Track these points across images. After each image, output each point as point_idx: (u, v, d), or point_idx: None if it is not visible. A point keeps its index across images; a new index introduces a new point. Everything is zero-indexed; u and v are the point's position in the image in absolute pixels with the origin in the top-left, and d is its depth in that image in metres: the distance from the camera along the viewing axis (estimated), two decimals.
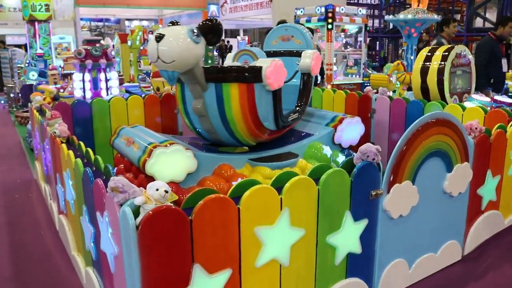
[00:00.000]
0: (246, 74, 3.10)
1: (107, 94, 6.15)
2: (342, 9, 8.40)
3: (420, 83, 4.63)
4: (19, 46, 16.80)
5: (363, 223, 2.28)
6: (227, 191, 3.41)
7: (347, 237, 2.24)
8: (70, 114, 4.79)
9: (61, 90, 7.40)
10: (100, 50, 6.17)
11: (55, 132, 3.06)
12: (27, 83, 8.63)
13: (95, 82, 6.31)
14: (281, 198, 1.94)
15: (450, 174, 2.65)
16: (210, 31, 2.84)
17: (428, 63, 4.58)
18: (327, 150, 3.94)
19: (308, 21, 8.72)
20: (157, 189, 1.68)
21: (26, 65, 8.77)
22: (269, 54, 4.44)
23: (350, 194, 2.20)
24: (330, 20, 8.28)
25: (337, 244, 2.22)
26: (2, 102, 10.34)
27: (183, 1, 19.53)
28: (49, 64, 10.07)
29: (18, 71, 10.24)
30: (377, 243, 2.38)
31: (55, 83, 8.38)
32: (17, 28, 16.79)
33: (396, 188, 2.35)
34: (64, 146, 2.78)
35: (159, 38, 2.67)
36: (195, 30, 2.75)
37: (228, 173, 3.47)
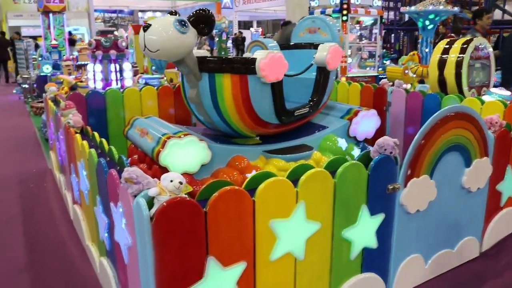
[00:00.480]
0: (240, 65, 3.07)
1: (117, 85, 6.16)
2: (358, 1, 8.28)
3: (438, 76, 4.54)
4: (34, 37, 16.94)
5: (380, 217, 2.24)
6: (241, 183, 3.40)
7: (363, 231, 2.21)
8: (84, 105, 4.81)
9: (82, 80, 7.43)
10: (110, 41, 6.16)
11: (69, 122, 3.05)
12: (41, 74, 8.70)
13: (106, 73, 6.32)
14: (297, 191, 1.91)
15: (469, 169, 2.59)
16: (201, 22, 2.87)
17: (445, 56, 4.49)
18: (342, 143, 3.90)
19: (323, 12, 8.61)
20: (171, 180, 1.66)
21: (40, 58, 8.81)
22: (289, 47, 4.39)
23: (366, 188, 2.16)
24: (345, 12, 8.16)
25: (353, 238, 2.18)
26: (18, 92, 10.44)
27: None
28: (63, 55, 10.13)
29: (33, 62, 10.32)
30: (393, 238, 2.34)
31: (69, 74, 8.44)
32: (32, 20, 16.91)
33: (414, 182, 2.31)
34: (78, 136, 2.78)
35: (146, 27, 2.74)
36: (183, 21, 2.77)
37: (242, 165, 3.45)
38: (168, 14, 2.95)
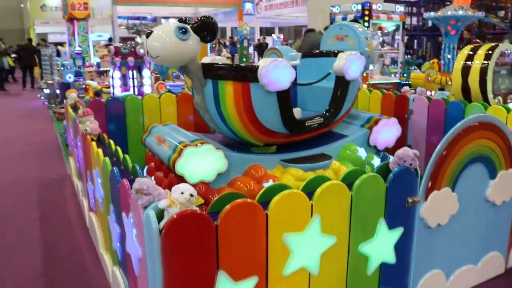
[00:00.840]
0: (242, 72, 3.04)
1: (135, 92, 6.20)
2: (379, 6, 8.18)
3: (461, 83, 4.42)
4: (60, 43, 17.29)
5: (398, 231, 2.16)
6: (257, 192, 3.36)
7: (381, 245, 2.13)
8: (104, 111, 4.84)
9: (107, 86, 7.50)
10: (128, 48, 6.20)
11: (86, 130, 3.06)
12: (64, 82, 8.83)
13: (125, 80, 6.37)
14: (312, 204, 1.85)
15: (493, 181, 2.48)
16: (204, 29, 2.89)
17: (470, 62, 4.38)
18: (362, 152, 3.81)
19: (344, 18, 8.54)
20: (182, 193, 1.62)
21: (62, 68, 8.95)
22: (312, 55, 4.31)
23: (385, 201, 2.08)
24: (366, 18, 8.07)
25: (370, 253, 2.10)
26: (42, 98, 10.63)
27: None
28: (87, 61, 10.27)
29: (58, 68, 10.51)
30: (412, 253, 2.26)
31: (92, 80, 8.54)
32: (58, 27, 17.29)
33: (435, 195, 2.22)
34: (94, 143, 2.77)
35: (149, 34, 2.82)
36: (183, 28, 2.81)
37: (259, 174, 3.40)
38: (177, 21, 2.96)
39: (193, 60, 3.01)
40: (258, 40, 20.54)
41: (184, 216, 1.57)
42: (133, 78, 6.13)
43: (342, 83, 3.60)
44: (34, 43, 16.50)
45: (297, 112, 3.61)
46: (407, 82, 8.29)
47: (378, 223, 2.09)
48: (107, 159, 2.38)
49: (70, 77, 8.79)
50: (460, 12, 6.34)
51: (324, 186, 1.87)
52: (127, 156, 2.45)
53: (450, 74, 6.07)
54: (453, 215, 2.33)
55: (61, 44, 16.49)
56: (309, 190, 1.93)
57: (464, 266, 2.53)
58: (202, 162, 3.17)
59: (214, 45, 17.46)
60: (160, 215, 1.64)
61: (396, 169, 2.10)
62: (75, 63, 10.87)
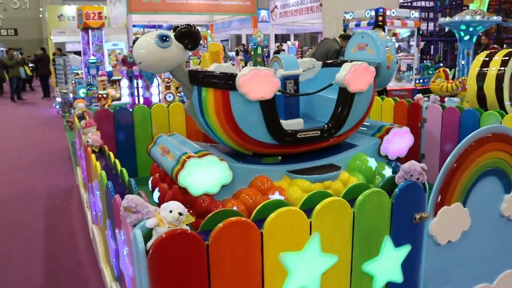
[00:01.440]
0: (222, 80, 3.03)
1: (138, 101, 6.20)
2: (394, 12, 8.04)
3: (476, 90, 4.27)
4: (77, 53, 17.51)
5: (406, 249, 2.04)
6: None
7: (387, 264, 2.01)
8: (112, 121, 4.82)
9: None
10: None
11: (87, 141, 3.01)
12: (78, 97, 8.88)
13: (132, 89, 6.37)
14: (310, 221, 1.75)
15: (508, 195, 2.34)
16: (185, 37, 2.98)
17: (485, 69, 4.23)
18: (372, 162, 3.70)
19: (358, 25, 8.43)
20: (170, 211, 1.54)
21: (73, 84, 9.02)
22: (327, 64, 4.19)
23: (390, 217, 1.97)
24: (380, 24, 7.94)
25: (375, 272, 1.99)
26: (57, 107, 10.73)
27: (233, 6, 19.62)
28: (103, 70, 10.33)
29: (75, 78, 10.59)
30: (421, 271, 2.13)
31: (104, 89, 8.56)
32: (73, 36, 17.52)
33: (444, 211, 2.09)
34: (93, 156, 2.72)
35: (134, 41, 3.02)
36: (164, 36, 2.92)
37: (265, 186, 3.32)
38: (171, 31, 3.09)
39: (179, 66, 3.10)
40: (277, 47, 20.45)
41: (172, 235, 1.49)
42: (137, 88, 6.10)
43: (345, 95, 3.43)
44: (50, 52, 16.75)
45: (298, 123, 3.50)
46: (424, 87, 8.09)
47: (383, 241, 1.97)
48: (103, 172, 2.32)
49: (83, 92, 8.82)
50: (478, 18, 6.17)
51: (323, 203, 1.77)
52: (124, 170, 2.38)
53: (456, 81, 5.89)
54: (465, 231, 2.20)
55: (79, 53, 16.68)
56: (309, 207, 1.83)
57: (478, 285, 2.38)
58: (206, 173, 3.09)
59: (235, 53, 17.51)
60: (149, 234, 1.56)
61: (402, 183, 1.98)
62: (90, 72, 10.97)
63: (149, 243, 1.51)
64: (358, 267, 1.94)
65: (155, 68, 3.08)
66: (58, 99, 9.82)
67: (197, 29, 3.06)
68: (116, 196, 1.89)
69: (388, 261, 2.01)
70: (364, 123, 4.23)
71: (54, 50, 17.37)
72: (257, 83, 2.96)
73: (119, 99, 7.27)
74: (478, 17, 6.13)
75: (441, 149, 4.36)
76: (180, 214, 1.54)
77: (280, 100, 3.47)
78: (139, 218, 1.59)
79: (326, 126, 3.48)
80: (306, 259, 1.76)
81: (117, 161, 2.58)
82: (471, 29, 6.36)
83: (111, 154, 2.81)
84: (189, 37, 2.98)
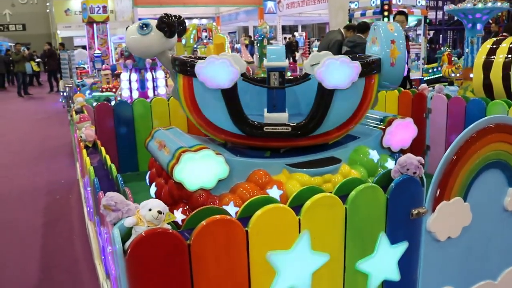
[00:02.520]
0: (186, 67, 3.12)
1: (137, 95, 6.16)
2: (400, 1, 7.89)
3: (483, 79, 4.14)
4: (85, 47, 17.53)
5: (402, 246, 1.96)
6: None
7: (382, 262, 1.93)
8: (112, 115, 4.77)
9: (113, 90, 7.51)
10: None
11: (81, 136, 2.96)
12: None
13: (142, 82, 6.30)
14: (299, 219, 1.67)
15: None
16: (164, 25, 3.13)
17: (492, 57, 4.10)
18: (374, 155, 3.60)
19: (363, 14, 8.28)
20: (150, 209, 1.47)
21: (78, 87, 8.99)
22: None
23: (385, 214, 1.88)
24: (386, 13, 7.79)
25: (370, 271, 1.91)
26: (63, 101, 10.73)
27: None
28: (105, 64, 10.31)
29: (83, 74, 10.59)
30: (419, 269, 2.04)
31: (108, 83, 8.53)
32: (79, 30, 17.53)
33: (444, 206, 2.00)
34: (84, 151, 2.67)
35: (126, 28, 3.34)
36: (144, 25, 3.15)
37: (263, 180, 3.25)
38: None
39: (163, 52, 3.28)
40: (289, 38, 20.25)
41: (150, 235, 1.42)
42: (145, 80, 6.06)
43: (321, 91, 3.17)
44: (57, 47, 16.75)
45: (281, 118, 3.28)
46: (437, 77, 7.90)
47: (378, 238, 1.89)
48: (91, 168, 2.26)
49: (90, 94, 8.79)
50: (480, 5, 5.99)
51: (313, 199, 1.68)
52: (113, 166, 2.32)
53: (453, 66, 5.73)
54: (466, 226, 2.11)
55: (85, 47, 16.69)
56: (299, 203, 1.75)
57: (481, 282, 2.29)
58: (202, 168, 3.03)
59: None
60: (130, 233, 1.50)
61: (398, 178, 1.89)
62: (95, 66, 10.95)
63: (128, 243, 1.45)
64: (352, 266, 1.86)
65: (139, 53, 3.45)
66: (65, 94, 9.80)
67: (173, 19, 3.18)
68: (100, 193, 1.82)
69: (384, 259, 1.93)
70: (366, 114, 4.14)
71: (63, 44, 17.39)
72: (213, 72, 2.97)
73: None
74: (480, 5, 5.95)
75: (447, 140, 4.25)
76: (160, 212, 1.47)
77: (263, 92, 3.35)
78: (118, 217, 1.52)
79: (299, 123, 3.26)
80: (295, 258, 1.68)
81: (107, 157, 2.53)
82: (470, 16, 6.17)
83: (103, 149, 2.75)
84: (167, 26, 3.12)
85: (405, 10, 7.28)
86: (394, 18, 6.44)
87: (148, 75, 6.41)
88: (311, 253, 1.72)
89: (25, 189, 4.69)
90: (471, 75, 4.28)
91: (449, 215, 2.02)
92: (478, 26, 6.58)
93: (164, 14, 3.17)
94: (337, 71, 3.06)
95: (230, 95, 3.09)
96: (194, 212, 1.69)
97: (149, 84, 6.51)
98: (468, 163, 2.06)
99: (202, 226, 1.50)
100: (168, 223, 1.52)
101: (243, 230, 1.57)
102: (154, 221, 1.46)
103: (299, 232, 1.68)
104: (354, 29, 6.65)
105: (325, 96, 3.16)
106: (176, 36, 3.27)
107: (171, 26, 3.13)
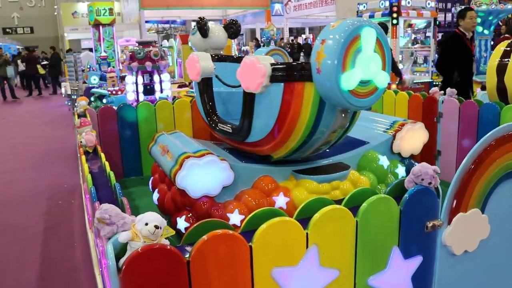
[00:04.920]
0: None
1: (141, 98, 6.10)
2: (409, 3, 7.72)
3: (496, 82, 4.00)
4: (91, 49, 17.55)
5: (416, 260, 1.84)
6: (267, 207, 3.09)
7: (395, 277, 1.82)
8: (116, 118, 4.69)
9: (119, 93, 7.46)
10: (143, 53, 6.05)
11: (81, 141, 2.87)
12: (90, 85, 8.79)
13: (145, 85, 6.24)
14: (307, 233, 1.56)
15: None
16: (199, 27, 3.68)
17: (506, 60, 3.95)
18: (384, 161, 3.48)
19: (372, 16, 8.14)
20: (146, 224, 1.37)
21: (88, 69, 8.93)
22: None
23: (399, 226, 1.77)
24: (395, 15, 7.64)
25: (382, 287, 1.80)
26: (69, 104, 10.69)
27: (246, 0, 19.40)
28: (111, 67, 10.24)
29: (84, 69, 10.54)
30: (434, 285, 1.93)
31: (113, 86, 8.47)
32: (86, 33, 17.55)
33: (460, 218, 1.88)
34: (83, 157, 2.57)
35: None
36: (195, 26, 3.75)
37: (269, 187, 3.14)
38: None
39: (205, 50, 3.67)
40: (292, 40, 20.16)
41: (146, 251, 1.32)
42: (148, 83, 5.99)
43: (244, 94, 2.84)
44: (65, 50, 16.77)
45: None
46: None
47: (391, 252, 1.78)
48: (89, 176, 2.16)
49: (95, 79, 8.74)
50: (483, 7, 5.83)
51: (322, 212, 1.57)
52: (111, 173, 2.22)
53: None
54: (484, 240, 1.99)
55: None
56: (307, 215, 1.64)
57: None
58: (206, 174, 2.93)
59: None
60: (125, 248, 1.40)
61: (412, 188, 1.78)
62: (101, 68, 10.89)
63: (122, 259, 1.35)
64: (363, 281, 1.75)
65: (196, 48, 3.80)
66: (73, 96, 9.76)
67: (205, 23, 3.70)
68: (96, 204, 1.73)
69: (397, 274, 1.82)
70: (375, 118, 4.03)
71: (71, 47, 17.40)
72: (190, 67, 3.36)
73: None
74: (484, 7, 5.77)
75: (458, 145, 4.12)
76: (157, 227, 1.36)
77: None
78: (113, 231, 1.42)
79: (236, 125, 3.07)
80: (302, 274, 1.58)
81: (106, 164, 2.43)
82: (497, 17, 6.00)
83: (103, 155, 2.65)
84: (200, 27, 3.66)
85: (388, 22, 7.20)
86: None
87: (156, 78, 6.35)
88: (319, 269, 1.61)
89: (27, 193, 4.62)
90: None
91: (466, 227, 1.91)
92: (490, 28, 6.44)
93: (199, 17, 3.74)
94: (248, 72, 2.67)
95: (200, 88, 3.42)
96: (193, 226, 1.58)
97: (156, 87, 6.46)
98: (487, 172, 1.94)
99: (202, 241, 1.40)
100: (166, 238, 1.42)
101: (246, 245, 1.46)
102: (150, 236, 1.36)
103: (307, 246, 1.57)
104: None
105: (247, 99, 2.84)
106: (222, 36, 3.83)
107: (202, 28, 3.65)
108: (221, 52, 3.92)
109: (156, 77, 6.30)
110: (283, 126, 2.70)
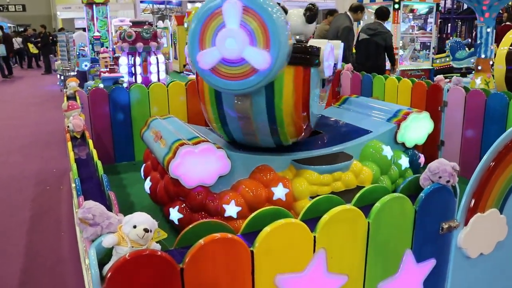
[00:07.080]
0: None
1: (135, 79, 5.88)
2: None
3: (505, 72, 3.85)
4: (85, 29, 17.15)
5: (429, 264, 1.70)
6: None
7: (406, 282, 1.68)
8: (107, 101, 4.50)
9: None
10: (150, 33, 5.86)
11: (68, 126, 2.68)
12: (81, 70, 8.56)
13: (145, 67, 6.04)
14: (314, 236, 1.41)
15: None
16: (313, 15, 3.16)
17: None
18: (388, 151, 3.33)
19: (373, 1, 7.94)
20: (134, 226, 1.21)
21: (77, 55, 8.68)
22: None
23: (413, 228, 1.62)
24: (397, 0, 7.44)
25: None
26: (61, 85, 10.43)
27: None
28: (104, 47, 9.97)
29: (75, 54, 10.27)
30: None
31: (106, 66, 8.23)
32: (79, 12, 17.13)
33: (478, 218, 1.74)
34: (69, 144, 2.39)
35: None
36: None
37: (267, 177, 2.98)
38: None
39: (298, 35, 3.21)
40: None
41: (134, 258, 1.16)
42: (135, 66, 5.77)
43: None
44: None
45: None
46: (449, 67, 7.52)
47: (403, 256, 1.63)
48: (74, 165, 1.99)
49: (86, 65, 8.50)
50: None
51: (331, 213, 1.42)
52: (99, 162, 2.04)
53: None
54: (501, 241, 1.85)
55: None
56: (313, 216, 1.49)
57: None
58: (201, 163, 2.76)
59: None
60: (110, 252, 1.24)
61: (428, 187, 1.63)
62: (94, 49, 10.62)
63: (107, 266, 1.19)
64: (372, 287, 1.61)
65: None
66: (63, 76, 9.51)
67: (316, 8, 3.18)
68: (80, 198, 1.56)
69: (408, 279, 1.68)
70: (378, 106, 3.87)
71: (64, 26, 16.98)
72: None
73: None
74: None
75: (463, 135, 3.96)
76: (147, 230, 1.20)
77: None
78: (97, 233, 1.26)
79: None
80: (308, 281, 1.43)
81: (94, 151, 2.25)
82: (499, 5, 5.80)
83: (91, 142, 2.47)
84: (314, 14, 3.12)
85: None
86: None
87: (152, 59, 6.15)
88: (327, 275, 1.46)
89: (13, 178, 4.43)
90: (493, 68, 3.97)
91: (483, 229, 1.77)
92: (493, 14, 6.24)
93: (311, 3, 3.20)
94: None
95: None
96: (187, 228, 1.42)
97: (153, 68, 6.25)
98: (507, 171, 1.79)
99: (198, 246, 1.24)
100: (157, 242, 1.26)
101: (247, 250, 1.30)
102: (139, 241, 1.20)
103: (314, 251, 1.42)
104: (362, 10, 6.29)
105: None
106: (301, 21, 3.14)
107: (315, 15, 3.15)
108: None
109: (152, 58, 6.10)
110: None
